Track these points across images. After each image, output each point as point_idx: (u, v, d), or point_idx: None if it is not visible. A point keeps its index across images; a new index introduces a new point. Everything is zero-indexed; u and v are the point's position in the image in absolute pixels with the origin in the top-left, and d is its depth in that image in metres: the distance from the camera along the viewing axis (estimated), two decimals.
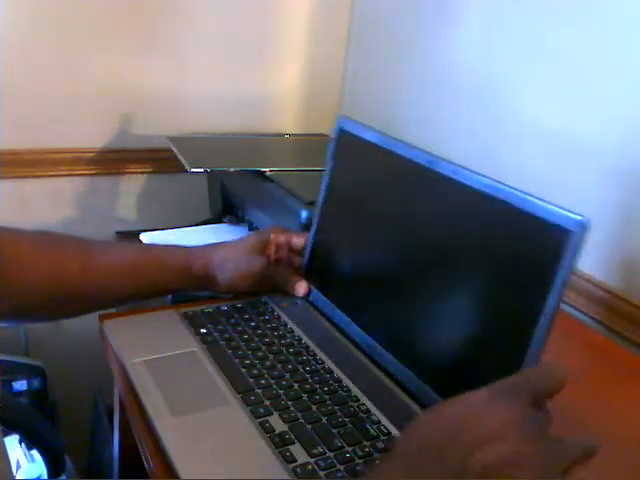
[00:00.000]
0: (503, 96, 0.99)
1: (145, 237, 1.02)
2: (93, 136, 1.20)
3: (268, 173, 0.98)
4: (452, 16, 1.07)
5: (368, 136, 0.70)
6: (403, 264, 0.66)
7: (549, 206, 0.50)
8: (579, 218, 0.47)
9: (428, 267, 0.62)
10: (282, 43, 1.29)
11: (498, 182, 0.55)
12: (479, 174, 0.57)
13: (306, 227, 0.83)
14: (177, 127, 1.23)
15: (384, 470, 0.41)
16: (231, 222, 1.09)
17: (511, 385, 0.41)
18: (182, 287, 0.73)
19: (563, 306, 0.51)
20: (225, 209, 1.10)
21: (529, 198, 0.52)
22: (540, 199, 0.51)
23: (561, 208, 0.49)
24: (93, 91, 1.17)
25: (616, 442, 0.61)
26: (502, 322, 0.54)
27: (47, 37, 1.11)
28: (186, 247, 0.74)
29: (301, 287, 0.76)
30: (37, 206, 1.20)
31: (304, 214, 0.84)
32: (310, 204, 0.85)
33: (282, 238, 0.77)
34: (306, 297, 0.76)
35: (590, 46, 0.85)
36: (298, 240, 0.78)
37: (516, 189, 0.53)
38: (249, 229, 1.03)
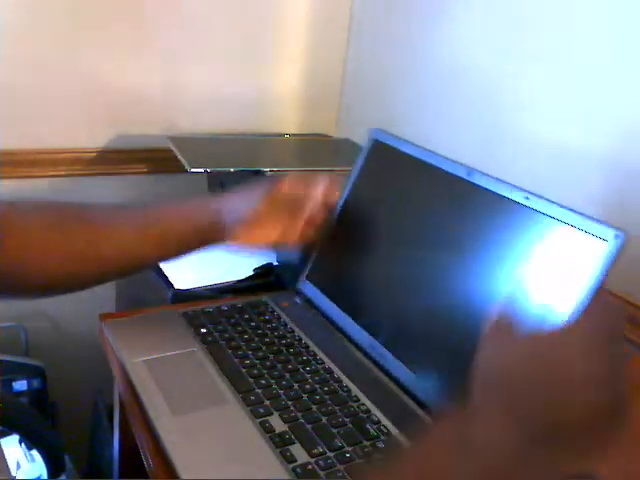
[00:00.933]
0: (504, 95, 0.99)
1: None
2: (93, 136, 1.20)
3: (268, 173, 0.98)
4: (452, 16, 1.07)
5: (405, 148, 0.70)
6: (419, 270, 0.66)
7: (587, 218, 0.51)
8: (616, 231, 0.48)
9: (452, 273, 0.62)
10: (282, 43, 1.29)
11: (535, 194, 0.55)
12: (515, 186, 0.57)
13: None
14: (177, 127, 1.23)
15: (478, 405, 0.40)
16: None
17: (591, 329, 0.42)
18: (195, 251, 0.71)
19: None
20: None
21: (568, 210, 0.52)
22: (578, 211, 0.52)
23: (599, 220, 0.50)
24: (93, 91, 1.17)
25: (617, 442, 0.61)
26: None
27: (47, 37, 1.11)
28: (197, 210, 0.70)
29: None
30: None
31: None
32: None
33: (314, 212, 0.70)
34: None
35: (592, 45, 0.85)
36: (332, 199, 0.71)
37: (554, 202, 0.54)
38: None
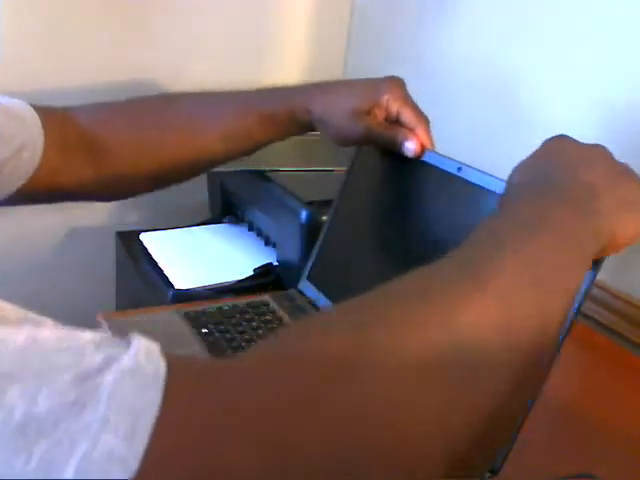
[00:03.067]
0: (506, 92, 0.99)
1: (145, 237, 1.02)
2: None
3: (268, 173, 0.98)
4: (454, 15, 1.07)
5: None
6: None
7: None
8: None
9: None
10: (282, 42, 1.29)
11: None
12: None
13: (306, 227, 0.83)
14: None
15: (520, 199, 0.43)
16: (231, 222, 1.09)
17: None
18: (283, 138, 0.71)
19: None
20: (225, 209, 1.10)
21: None
22: None
23: None
24: (93, 91, 1.17)
25: (617, 442, 0.61)
26: None
27: (47, 36, 1.10)
28: (287, 96, 0.69)
29: (410, 145, 0.64)
30: (37, 206, 1.19)
31: (304, 214, 0.84)
32: (310, 204, 0.85)
33: (394, 106, 0.66)
34: (419, 157, 0.65)
35: (593, 48, 0.85)
36: (409, 117, 0.66)
37: None
38: (249, 229, 1.03)
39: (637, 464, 0.59)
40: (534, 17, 0.93)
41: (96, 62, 1.15)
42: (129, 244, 1.02)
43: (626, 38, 0.80)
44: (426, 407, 0.29)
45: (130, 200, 1.26)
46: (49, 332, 0.24)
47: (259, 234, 1.01)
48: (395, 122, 0.66)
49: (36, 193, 0.61)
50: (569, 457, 0.59)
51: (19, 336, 0.23)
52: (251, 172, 1.00)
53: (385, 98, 0.65)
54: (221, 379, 0.26)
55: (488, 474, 0.53)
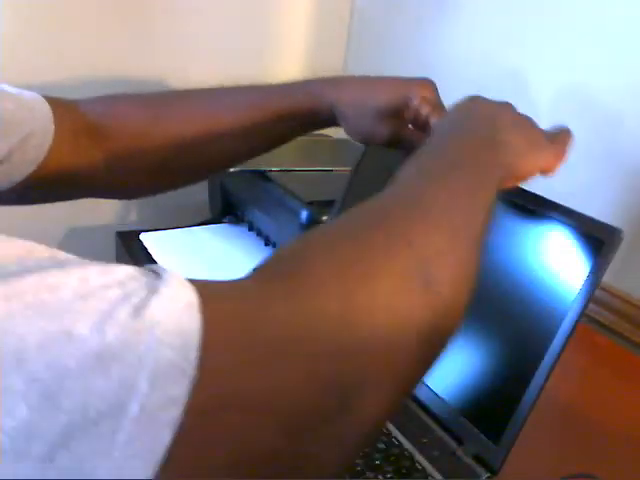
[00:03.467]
0: (506, 92, 0.99)
1: (145, 237, 1.02)
2: None
3: (268, 173, 0.98)
4: (454, 15, 1.07)
5: None
6: None
7: (584, 217, 0.51)
8: (613, 230, 0.49)
9: None
10: (282, 42, 1.29)
11: (530, 192, 0.55)
12: None
13: (306, 227, 0.83)
14: None
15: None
16: (231, 222, 1.09)
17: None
18: (306, 132, 0.68)
19: None
20: (225, 209, 1.10)
21: (564, 208, 0.53)
22: (574, 210, 0.52)
23: (595, 220, 0.50)
24: (93, 91, 1.17)
25: (617, 442, 0.61)
26: (523, 325, 0.54)
27: (47, 36, 1.11)
28: (310, 90, 0.66)
29: None
30: (37, 206, 1.19)
31: (304, 214, 0.84)
32: (310, 204, 0.85)
33: (424, 111, 0.62)
34: None
35: (593, 49, 0.85)
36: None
37: (550, 200, 0.54)
38: (249, 229, 1.03)
39: (637, 464, 0.59)
40: (534, 17, 0.93)
41: (96, 62, 1.15)
42: (129, 244, 1.02)
43: (626, 38, 0.80)
44: (402, 309, 0.33)
45: (130, 200, 1.27)
46: (91, 270, 0.28)
47: (259, 234, 1.01)
48: (421, 127, 0.63)
49: (47, 181, 0.60)
50: (569, 457, 0.59)
51: (71, 279, 0.26)
52: (251, 172, 1.00)
53: (416, 101, 0.62)
54: (247, 299, 0.30)
55: (487, 474, 0.53)
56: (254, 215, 1.02)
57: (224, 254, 0.98)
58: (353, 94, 0.64)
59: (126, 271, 0.28)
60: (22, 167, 0.58)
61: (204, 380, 0.25)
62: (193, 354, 0.26)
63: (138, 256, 0.98)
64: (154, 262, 0.94)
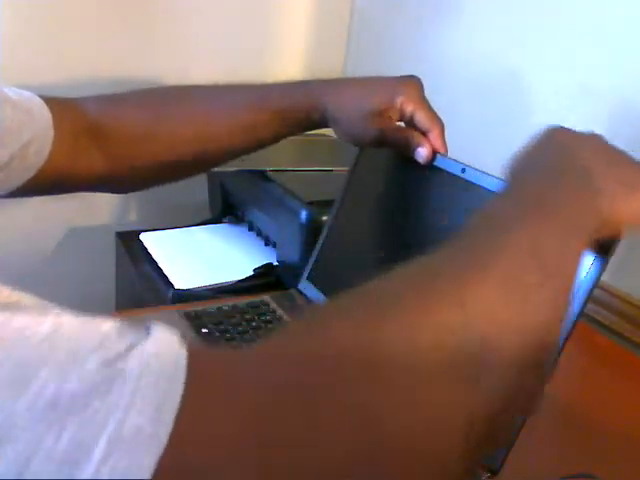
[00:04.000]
0: (505, 96, 0.99)
1: (145, 237, 1.02)
2: None
3: (268, 173, 0.98)
4: (454, 15, 1.07)
5: None
6: None
7: None
8: None
9: None
10: (282, 43, 1.29)
11: None
12: None
13: (306, 227, 0.83)
14: None
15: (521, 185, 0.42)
16: (231, 222, 1.09)
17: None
18: (298, 133, 0.70)
19: None
20: (225, 209, 1.10)
21: None
22: None
23: None
24: (93, 91, 1.17)
25: (617, 442, 0.61)
26: None
27: (47, 37, 1.10)
28: (303, 92, 0.67)
29: (422, 152, 0.63)
30: (37, 206, 1.20)
31: (304, 214, 0.84)
32: (310, 204, 0.85)
33: (409, 108, 0.64)
34: (429, 163, 0.64)
35: (593, 47, 0.85)
36: (423, 120, 0.65)
37: None
38: (249, 229, 1.03)
39: (637, 464, 0.59)
40: (534, 17, 0.93)
41: (96, 62, 1.15)
42: (129, 244, 1.02)
43: (624, 39, 0.80)
44: (446, 405, 0.29)
45: (130, 200, 1.27)
46: (71, 319, 0.25)
47: (259, 234, 1.01)
48: (409, 124, 0.65)
49: (46, 184, 0.61)
50: (569, 457, 0.59)
51: (44, 324, 0.24)
52: (251, 172, 1.00)
53: (400, 100, 0.64)
54: (236, 373, 0.27)
55: (488, 474, 0.53)
56: (254, 215, 1.02)
57: (224, 254, 0.98)
58: (349, 97, 0.66)
59: (110, 323, 0.26)
60: (22, 173, 0.57)
61: (174, 449, 0.23)
62: (166, 424, 0.23)
63: (138, 256, 0.98)
64: (154, 262, 0.94)
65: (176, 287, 0.85)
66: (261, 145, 0.71)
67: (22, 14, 1.08)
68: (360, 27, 1.30)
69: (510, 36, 0.97)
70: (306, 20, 1.28)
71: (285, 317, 0.74)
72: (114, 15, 1.13)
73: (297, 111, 0.66)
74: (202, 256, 0.98)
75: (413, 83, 0.66)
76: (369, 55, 1.29)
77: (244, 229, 1.05)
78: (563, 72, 0.89)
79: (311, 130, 0.70)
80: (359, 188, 0.74)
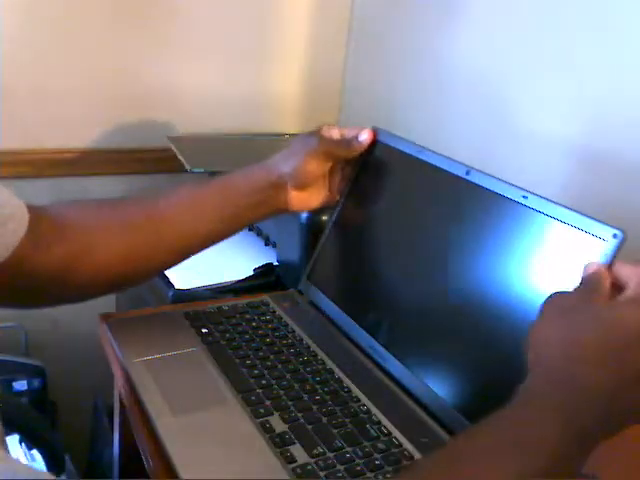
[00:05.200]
0: (505, 97, 0.99)
1: None
2: (93, 136, 1.19)
3: None
4: (454, 15, 1.07)
5: (403, 147, 0.70)
6: (418, 270, 0.66)
7: (586, 217, 0.51)
8: (614, 230, 0.49)
9: (448, 273, 0.62)
10: (282, 43, 1.29)
11: (533, 193, 0.55)
12: (514, 185, 0.57)
13: (306, 227, 0.83)
14: (177, 127, 1.23)
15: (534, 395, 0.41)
16: None
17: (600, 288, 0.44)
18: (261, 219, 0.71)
19: None
20: None
21: (566, 209, 0.52)
22: (577, 210, 0.52)
23: (598, 220, 0.50)
24: (93, 91, 1.17)
25: (617, 442, 0.61)
26: (522, 325, 0.54)
27: (48, 37, 1.11)
28: (255, 178, 0.70)
29: (362, 134, 0.71)
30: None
31: (304, 214, 0.84)
32: None
33: (335, 134, 0.71)
34: (373, 143, 0.72)
35: (596, 51, 0.85)
36: (351, 130, 0.72)
37: (552, 200, 0.54)
38: (249, 229, 1.03)
39: (637, 464, 0.59)
40: (534, 17, 0.93)
41: (96, 63, 1.15)
42: None
43: (624, 40, 0.80)
44: None
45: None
46: None
47: (259, 234, 1.01)
48: (348, 141, 0.71)
49: (16, 272, 0.56)
50: None
51: None
52: None
53: (325, 131, 0.70)
54: None
55: None
56: None
57: (224, 254, 0.98)
58: (284, 154, 0.70)
59: None
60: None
61: None
62: None
63: None
64: None
65: (176, 287, 0.85)
66: (232, 231, 0.71)
67: (22, 14, 1.08)
68: (360, 28, 1.30)
69: (511, 36, 0.97)
70: (306, 21, 1.28)
71: (285, 317, 0.74)
72: (114, 15, 1.13)
73: (257, 182, 0.68)
74: (202, 256, 0.97)
75: (329, 124, 0.72)
76: (369, 56, 1.29)
77: (244, 229, 1.04)
78: (563, 72, 0.89)
79: (283, 204, 0.69)
80: (360, 189, 0.74)
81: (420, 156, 0.67)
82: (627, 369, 0.39)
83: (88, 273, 0.61)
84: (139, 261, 0.64)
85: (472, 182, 0.61)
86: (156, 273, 0.68)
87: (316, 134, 0.70)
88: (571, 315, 0.43)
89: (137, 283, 0.68)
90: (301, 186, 0.69)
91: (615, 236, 0.48)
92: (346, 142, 0.71)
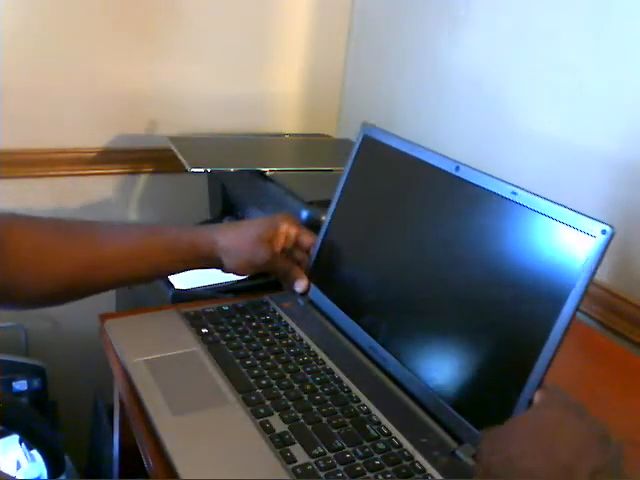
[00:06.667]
0: (505, 98, 0.99)
1: None
2: (93, 136, 1.20)
3: (268, 173, 0.98)
4: (453, 17, 1.07)
5: (395, 144, 0.70)
6: (414, 269, 0.66)
7: (575, 213, 0.51)
8: (604, 226, 0.49)
9: (443, 271, 0.62)
10: (282, 43, 1.29)
11: (523, 189, 0.55)
12: (504, 181, 0.57)
13: (306, 227, 0.82)
14: (177, 127, 1.23)
15: None
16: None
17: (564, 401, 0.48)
18: (189, 268, 0.73)
19: None
20: (225, 209, 1.10)
21: (555, 205, 0.52)
22: (566, 206, 0.52)
23: (587, 216, 0.50)
24: (93, 91, 1.17)
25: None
26: (518, 324, 0.54)
27: (47, 37, 1.11)
28: (193, 228, 0.75)
29: (300, 284, 0.76)
30: (37, 206, 1.20)
31: (304, 214, 0.84)
32: (310, 204, 0.85)
33: (292, 232, 0.75)
34: (304, 294, 0.76)
35: (594, 52, 0.85)
36: (307, 240, 0.77)
37: (542, 197, 0.54)
38: None
39: (637, 464, 0.59)
40: (535, 18, 0.93)
41: (96, 63, 1.15)
42: None
43: (624, 42, 0.80)
44: None
45: (130, 200, 1.27)
46: None
47: None
48: (294, 245, 0.76)
49: None
50: None
51: None
52: (251, 172, 1.00)
53: (284, 226, 0.74)
54: None
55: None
56: (254, 215, 1.02)
57: None
58: (237, 228, 0.75)
59: None
60: None
61: None
62: None
63: None
64: None
65: (176, 287, 0.85)
66: (157, 276, 0.76)
67: (22, 14, 1.08)
68: (360, 28, 1.30)
69: (511, 37, 0.97)
70: (306, 21, 1.29)
71: (285, 317, 0.74)
72: (114, 16, 1.14)
73: (184, 245, 0.71)
74: None
75: (290, 216, 0.77)
76: (369, 56, 1.29)
77: None
78: (563, 72, 0.89)
79: (207, 267, 0.73)
80: (356, 188, 0.74)
81: (409, 152, 0.67)
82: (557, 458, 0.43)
83: (30, 288, 0.64)
84: (81, 283, 0.67)
85: (462, 178, 0.61)
86: (100, 291, 0.71)
87: (268, 247, 0.72)
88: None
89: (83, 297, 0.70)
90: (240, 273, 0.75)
91: (604, 232, 0.49)
92: (287, 277, 0.76)
